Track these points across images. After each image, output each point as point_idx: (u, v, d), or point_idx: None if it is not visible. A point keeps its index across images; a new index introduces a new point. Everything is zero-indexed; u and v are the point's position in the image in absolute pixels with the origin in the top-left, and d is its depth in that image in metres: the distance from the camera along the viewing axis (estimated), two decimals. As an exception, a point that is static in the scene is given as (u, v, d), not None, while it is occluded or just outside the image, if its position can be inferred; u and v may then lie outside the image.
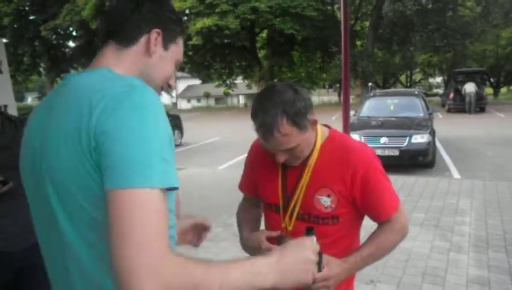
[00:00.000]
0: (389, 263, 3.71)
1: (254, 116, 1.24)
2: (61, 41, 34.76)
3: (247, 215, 1.57)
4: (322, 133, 1.36)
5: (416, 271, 3.57)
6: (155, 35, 0.96)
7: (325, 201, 1.30)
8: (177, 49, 1.03)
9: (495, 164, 8.48)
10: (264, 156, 1.41)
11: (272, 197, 1.40)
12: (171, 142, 0.82)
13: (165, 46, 1.00)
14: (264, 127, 1.20)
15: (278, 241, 1.38)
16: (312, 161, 1.33)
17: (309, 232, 1.12)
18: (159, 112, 0.81)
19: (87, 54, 33.04)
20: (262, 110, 1.21)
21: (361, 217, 1.40)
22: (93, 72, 0.92)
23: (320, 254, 1.15)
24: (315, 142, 1.33)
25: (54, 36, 32.19)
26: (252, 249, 1.39)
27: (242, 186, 1.59)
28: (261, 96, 1.26)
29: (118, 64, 0.94)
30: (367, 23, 29.87)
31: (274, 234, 1.38)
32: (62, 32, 33.57)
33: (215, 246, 4.31)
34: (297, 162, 1.33)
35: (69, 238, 0.85)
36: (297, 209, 1.34)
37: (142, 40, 0.96)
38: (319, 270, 1.16)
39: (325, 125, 1.42)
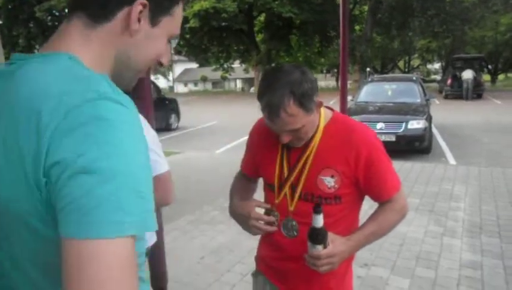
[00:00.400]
0: (383, 246, 3.76)
1: (260, 96, 1.24)
2: (56, 23, 34.29)
3: (241, 186, 1.59)
4: (325, 114, 1.37)
5: (411, 255, 3.62)
6: (139, 7, 0.71)
7: (329, 181, 1.31)
8: (171, 22, 0.78)
9: (491, 150, 8.53)
10: (266, 137, 1.41)
11: (271, 177, 1.41)
12: (146, 160, 0.64)
13: (154, 21, 0.74)
14: (270, 107, 1.20)
15: (265, 213, 1.41)
16: (315, 142, 1.34)
17: (317, 209, 1.16)
18: (131, 129, 0.62)
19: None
20: (269, 90, 1.20)
21: (362, 197, 1.42)
22: (50, 59, 0.68)
23: (325, 232, 1.19)
24: (318, 123, 1.34)
25: (49, 17, 31.75)
26: (241, 216, 1.41)
27: (243, 168, 1.59)
28: (268, 76, 1.25)
29: (84, 48, 0.70)
30: (366, 8, 29.56)
31: (264, 205, 1.41)
32: (57, 13, 33.09)
33: (212, 229, 4.35)
34: (301, 143, 1.34)
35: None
36: (299, 189, 1.34)
37: (121, 14, 0.71)
38: (324, 247, 1.20)
39: (328, 108, 1.43)
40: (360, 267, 3.36)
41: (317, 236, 1.18)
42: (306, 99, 1.21)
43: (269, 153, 1.42)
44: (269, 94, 1.20)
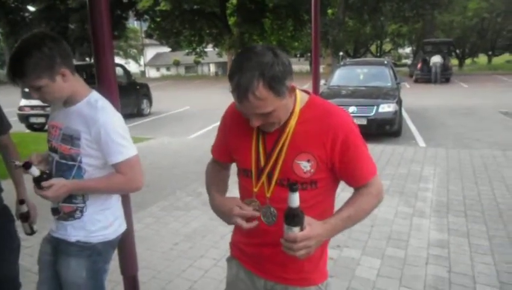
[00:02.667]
0: (355, 228, 3.81)
1: (231, 77, 1.19)
2: (19, 5, 32.81)
3: (215, 175, 1.56)
4: (301, 98, 1.33)
5: (381, 236, 3.70)
6: None
7: (305, 166, 1.28)
8: None
9: (458, 133, 8.80)
10: (240, 121, 1.37)
11: (246, 162, 1.38)
12: None
13: None
14: (239, 89, 1.16)
15: (247, 203, 1.36)
16: (291, 127, 1.30)
17: (293, 187, 1.13)
18: None
19: (47, 19, 31.44)
20: (239, 71, 1.16)
21: (337, 183, 1.41)
22: None
23: (302, 213, 1.15)
24: (294, 107, 1.30)
25: (12, -1, 30.31)
26: (222, 213, 1.38)
27: (215, 153, 1.55)
28: (240, 56, 1.21)
29: None
30: (339, -9, 29.58)
31: (246, 207, 1.34)
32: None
33: (186, 215, 4.31)
34: (273, 128, 1.30)
35: None
36: (276, 175, 1.31)
37: None
38: (301, 229, 1.16)
39: (304, 91, 1.39)
40: (333, 249, 3.41)
41: (294, 218, 1.15)
42: (276, 83, 1.16)
43: (244, 137, 1.38)
44: (239, 75, 1.16)
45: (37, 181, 1.53)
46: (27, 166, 1.50)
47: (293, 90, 1.25)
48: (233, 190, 1.52)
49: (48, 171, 1.61)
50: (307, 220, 1.18)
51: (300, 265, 1.36)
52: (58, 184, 1.54)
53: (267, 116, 1.22)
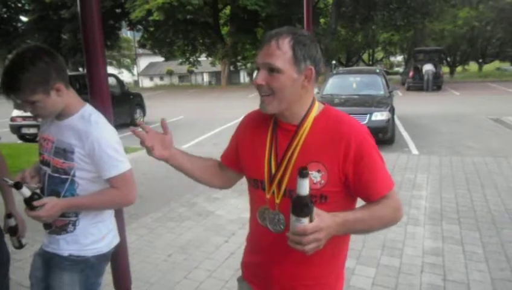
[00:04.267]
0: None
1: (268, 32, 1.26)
2: (12, 15, 32.77)
3: (212, 164, 1.56)
4: (318, 105, 1.31)
5: (376, 244, 3.69)
6: None
7: (315, 176, 1.21)
8: None
9: (450, 140, 8.86)
10: (255, 129, 1.37)
11: (257, 171, 1.34)
12: None
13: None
14: (270, 34, 1.23)
15: (260, 217, 1.34)
16: (303, 132, 1.26)
17: (303, 171, 1.04)
18: None
19: (40, 29, 31.41)
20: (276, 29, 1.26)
21: (352, 201, 1.31)
22: None
23: (311, 203, 1.08)
24: (308, 112, 1.27)
25: (4, 9, 30.26)
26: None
27: (223, 157, 1.54)
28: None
29: None
30: (330, 1, 29.91)
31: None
32: (13, 5, 31.62)
33: (179, 226, 4.29)
34: (271, 106, 1.25)
35: None
36: (283, 186, 1.26)
37: None
38: (310, 221, 1.07)
39: (321, 102, 1.37)
40: (328, 258, 3.40)
41: (303, 208, 1.05)
42: (300, 49, 1.20)
43: (257, 147, 1.35)
44: (275, 29, 1.25)
45: (28, 202, 1.50)
46: (18, 186, 1.47)
47: (310, 73, 1.23)
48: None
49: (38, 192, 1.57)
50: (316, 211, 1.10)
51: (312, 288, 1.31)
52: (51, 203, 1.51)
53: (273, 77, 1.20)
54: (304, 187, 1.05)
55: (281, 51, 1.19)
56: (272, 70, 1.20)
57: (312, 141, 1.25)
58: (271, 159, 1.30)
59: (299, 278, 1.26)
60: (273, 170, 1.29)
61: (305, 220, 1.06)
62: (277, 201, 1.28)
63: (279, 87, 1.21)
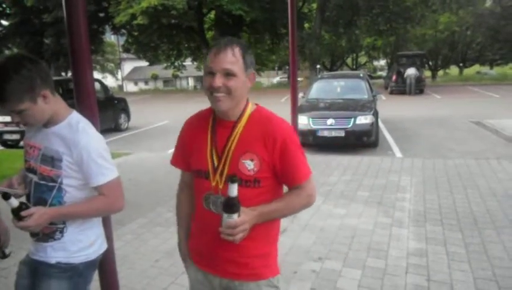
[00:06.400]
0: (336, 239, 3.87)
1: (214, 43, 1.47)
2: None
3: (187, 207, 1.73)
4: (251, 105, 1.56)
5: (361, 247, 3.75)
6: None
7: (249, 164, 1.46)
8: None
9: (433, 142, 9.03)
10: (195, 128, 1.59)
11: (201, 163, 1.54)
12: None
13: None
14: (221, 43, 1.43)
15: (204, 201, 1.53)
16: (240, 127, 1.50)
17: (233, 178, 1.31)
18: None
19: (22, 34, 30.86)
20: (223, 39, 1.47)
21: (281, 186, 1.57)
22: None
23: (239, 203, 1.35)
24: (245, 109, 1.52)
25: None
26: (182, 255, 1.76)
27: (173, 160, 1.71)
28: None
29: None
30: (314, 6, 30.16)
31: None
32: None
33: (166, 231, 4.27)
34: (224, 105, 1.45)
35: None
36: (225, 172, 1.48)
37: None
38: (239, 216, 1.36)
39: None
40: (314, 262, 3.44)
41: (233, 206, 1.33)
42: (247, 58, 1.46)
43: (199, 142, 1.56)
44: (223, 39, 1.46)
45: (16, 212, 1.49)
46: (6, 197, 1.46)
47: (252, 77, 1.51)
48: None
49: (25, 202, 1.56)
50: (241, 209, 1.38)
51: (251, 261, 1.53)
52: (39, 212, 1.51)
53: (229, 79, 1.42)
54: (234, 190, 1.32)
55: (235, 58, 1.43)
56: (228, 74, 1.42)
57: (247, 134, 1.49)
58: (212, 152, 1.52)
59: (239, 251, 1.50)
60: (216, 161, 1.51)
61: (235, 216, 1.35)
62: (220, 187, 1.50)
63: (235, 87, 1.43)
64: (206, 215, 1.53)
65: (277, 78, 49.04)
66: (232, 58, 1.41)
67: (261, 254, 1.54)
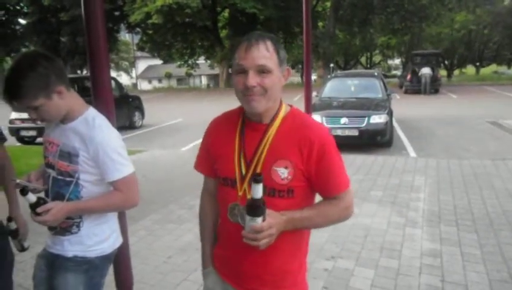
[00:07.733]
0: (348, 239, 3.85)
1: (246, 36, 1.34)
2: (10, 18, 32.76)
3: (210, 208, 1.57)
4: (285, 107, 1.42)
5: (374, 246, 3.72)
6: None
7: (282, 172, 1.32)
8: None
9: (448, 142, 8.91)
10: (222, 132, 1.45)
11: (228, 170, 1.40)
12: None
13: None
14: (252, 37, 1.30)
15: (230, 212, 1.40)
16: (273, 131, 1.36)
17: (257, 178, 1.18)
18: None
19: (39, 32, 31.40)
20: (254, 33, 1.34)
21: (314, 194, 1.43)
22: None
23: (264, 205, 1.21)
24: (277, 112, 1.38)
25: (3, 12, 30.26)
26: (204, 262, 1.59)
27: (197, 165, 1.56)
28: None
29: None
30: (328, 4, 30.02)
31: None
32: (11, 8, 31.61)
33: (179, 228, 4.30)
34: (260, 105, 1.31)
35: None
36: None
37: None
38: (264, 220, 1.22)
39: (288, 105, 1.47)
40: (327, 260, 3.43)
41: (257, 209, 1.20)
42: (281, 53, 1.32)
43: (226, 146, 1.41)
44: (252, 34, 1.33)
45: (34, 208, 1.52)
46: (24, 192, 1.49)
47: (287, 73, 1.38)
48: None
49: (43, 196, 1.59)
50: (267, 211, 1.24)
51: (279, 279, 1.40)
52: (56, 207, 1.54)
53: (264, 76, 1.28)
54: (258, 191, 1.19)
55: (269, 53, 1.29)
56: (263, 71, 1.28)
57: (279, 140, 1.35)
58: (241, 158, 1.38)
59: (265, 267, 1.37)
60: (244, 169, 1.37)
61: (259, 219, 1.21)
62: (248, 197, 1.34)
63: (271, 85, 1.30)
64: (231, 229, 1.39)
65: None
66: (265, 53, 1.28)
67: (289, 270, 1.40)
